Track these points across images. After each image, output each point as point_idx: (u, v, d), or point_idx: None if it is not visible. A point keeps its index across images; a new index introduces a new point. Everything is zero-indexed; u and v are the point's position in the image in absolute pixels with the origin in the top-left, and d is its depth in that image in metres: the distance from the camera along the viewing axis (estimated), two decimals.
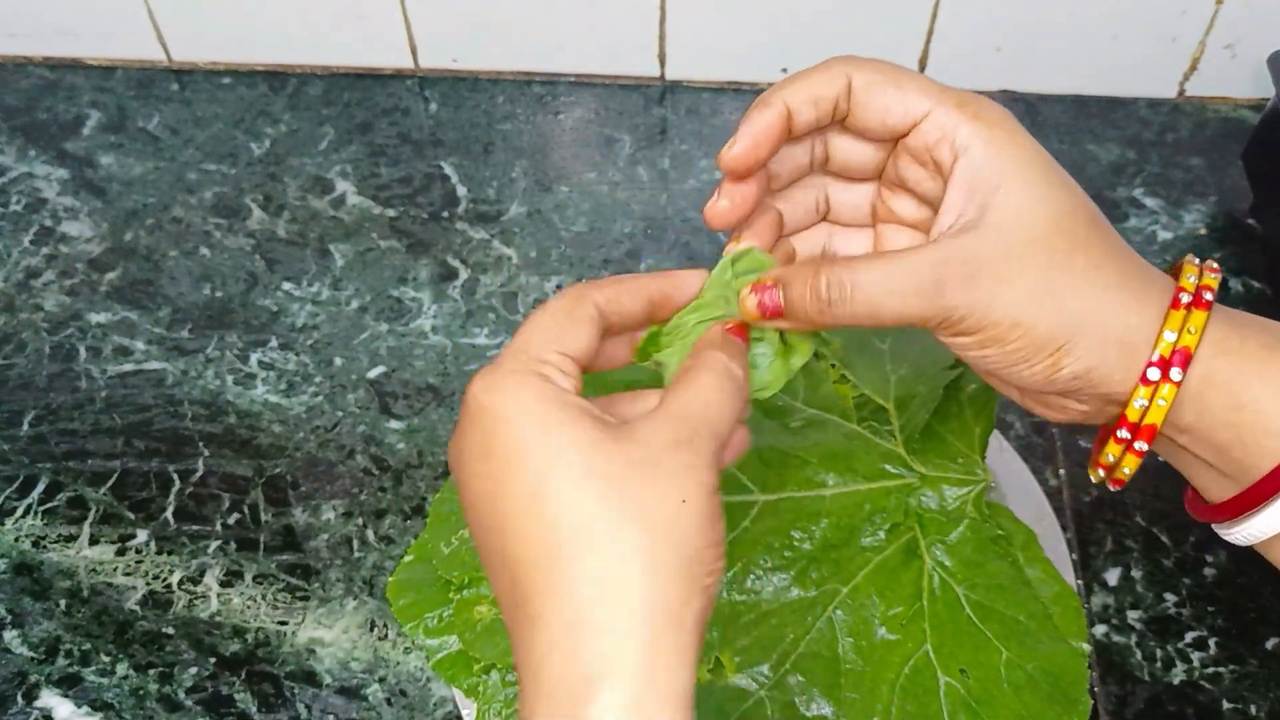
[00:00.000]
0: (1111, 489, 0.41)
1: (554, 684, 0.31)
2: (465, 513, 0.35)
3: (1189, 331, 0.35)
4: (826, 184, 0.43)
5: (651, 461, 0.33)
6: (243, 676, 0.54)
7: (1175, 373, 0.35)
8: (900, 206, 0.41)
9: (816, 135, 0.41)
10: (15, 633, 0.56)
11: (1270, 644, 0.55)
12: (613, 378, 0.43)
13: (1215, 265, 0.37)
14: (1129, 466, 0.39)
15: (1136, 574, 0.57)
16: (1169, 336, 0.35)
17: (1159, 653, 0.54)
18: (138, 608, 0.57)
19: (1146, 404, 0.36)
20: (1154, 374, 0.36)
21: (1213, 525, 0.40)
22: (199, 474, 0.62)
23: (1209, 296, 0.36)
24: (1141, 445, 0.37)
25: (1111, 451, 0.38)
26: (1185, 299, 0.36)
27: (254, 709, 0.53)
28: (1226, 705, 0.53)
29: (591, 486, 0.32)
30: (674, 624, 0.31)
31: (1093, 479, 0.41)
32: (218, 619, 0.56)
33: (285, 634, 0.56)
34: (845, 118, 0.39)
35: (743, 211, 0.39)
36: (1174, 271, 0.38)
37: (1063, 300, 0.35)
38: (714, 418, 0.35)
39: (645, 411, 0.35)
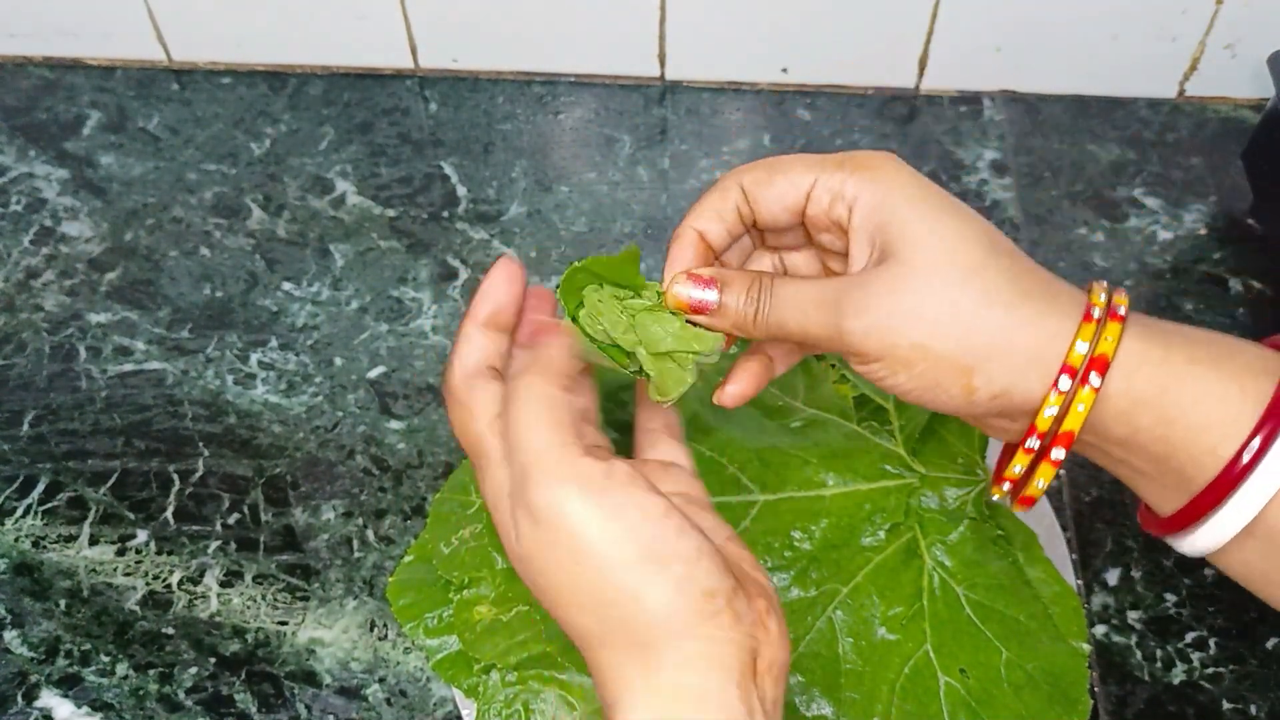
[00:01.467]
0: (1017, 509, 0.41)
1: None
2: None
3: (1106, 339, 0.35)
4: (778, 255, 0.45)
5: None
6: (243, 677, 0.54)
7: (1094, 378, 0.35)
8: (834, 265, 0.43)
9: (771, 252, 0.44)
10: (15, 633, 0.56)
11: (1270, 644, 0.55)
12: (604, 378, 0.43)
13: (1124, 289, 0.37)
14: (1043, 478, 0.39)
15: (1136, 574, 0.57)
16: (1081, 347, 0.35)
17: (1159, 653, 0.54)
18: (138, 608, 0.57)
19: (1058, 411, 0.36)
20: (1065, 382, 0.36)
21: (1165, 539, 0.40)
22: (199, 474, 0.62)
23: (1122, 311, 0.36)
24: (1058, 454, 0.37)
25: (1019, 462, 0.38)
26: (1096, 313, 0.36)
27: (254, 709, 0.53)
28: (1227, 705, 0.53)
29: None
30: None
31: (995, 497, 0.41)
32: (218, 619, 0.56)
33: (285, 634, 0.56)
34: (753, 220, 0.42)
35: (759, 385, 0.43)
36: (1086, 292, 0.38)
37: (966, 323, 0.35)
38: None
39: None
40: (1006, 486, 0.40)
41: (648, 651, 0.34)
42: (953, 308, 0.36)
